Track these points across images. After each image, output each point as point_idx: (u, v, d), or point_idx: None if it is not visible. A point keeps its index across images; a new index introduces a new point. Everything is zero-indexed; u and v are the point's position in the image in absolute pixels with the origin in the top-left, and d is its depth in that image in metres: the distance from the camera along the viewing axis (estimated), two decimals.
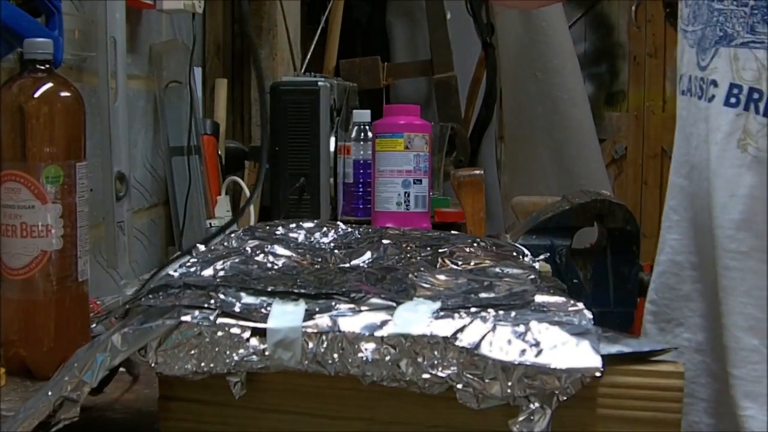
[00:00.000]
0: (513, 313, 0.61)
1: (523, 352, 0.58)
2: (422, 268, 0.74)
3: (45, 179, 0.82)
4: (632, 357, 0.61)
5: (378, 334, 0.59)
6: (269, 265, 0.75)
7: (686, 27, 0.94)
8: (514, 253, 0.83)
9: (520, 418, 0.57)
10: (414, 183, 1.34)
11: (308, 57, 2.20)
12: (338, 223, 0.90)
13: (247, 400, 0.64)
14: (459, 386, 0.58)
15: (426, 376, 0.59)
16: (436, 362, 0.59)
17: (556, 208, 1.31)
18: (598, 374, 0.57)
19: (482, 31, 2.80)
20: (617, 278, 1.31)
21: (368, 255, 0.79)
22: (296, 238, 0.85)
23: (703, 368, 0.94)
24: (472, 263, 0.77)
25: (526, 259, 0.82)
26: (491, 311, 0.61)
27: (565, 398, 0.57)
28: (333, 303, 0.63)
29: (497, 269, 0.75)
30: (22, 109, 0.82)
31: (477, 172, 1.46)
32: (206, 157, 1.54)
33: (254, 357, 0.61)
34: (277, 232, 0.86)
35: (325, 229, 0.88)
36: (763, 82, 0.83)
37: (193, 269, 0.72)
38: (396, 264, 0.76)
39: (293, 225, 0.88)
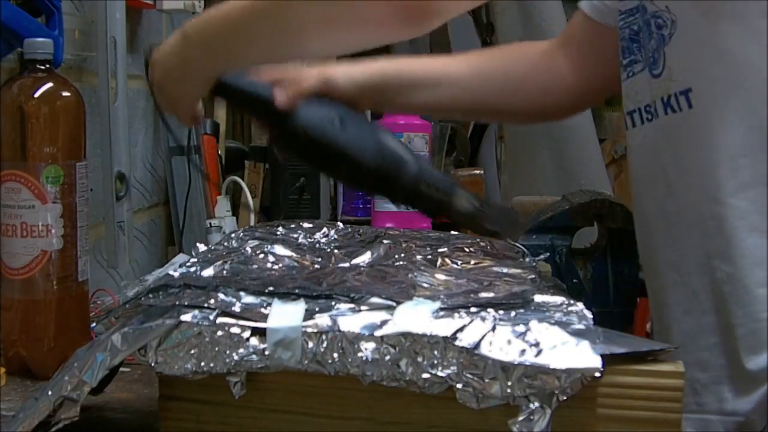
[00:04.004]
0: (513, 313, 0.62)
1: (523, 352, 0.58)
2: (422, 268, 0.74)
3: (45, 179, 0.82)
4: (632, 357, 0.61)
5: (378, 333, 0.59)
6: (269, 265, 0.75)
7: None
8: (514, 253, 0.83)
9: (520, 418, 0.57)
10: None
11: None
12: (338, 223, 0.90)
13: (247, 399, 0.64)
14: (459, 386, 0.58)
15: (426, 375, 0.59)
16: (435, 362, 0.59)
17: (556, 208, 1.31)
18: (597, 374, 0.57)
19: (482, 31, 2.80)
20: (617, 278, 1.31)
21: (368, 255, 0.79)
22: (296, 238, 0.85)
23: None
24: (472, 263, 0.77)
25: (526, 259, 0.82)
26: (491, 311, 0.61)
27: (565, 398, 0.57)
28: (333, 303, 0.63)
29: (497, 269, 0.75)
30: (22, 109, 0.82)
31: (477, 172, 1.46)
32: (206, 157, 1.54)
33: (254, 357, 0.61)
34: (277, 232, 0.86)
35: (325, 229, 0.88)
36: None
37: (193, 269, 0.72)
38: (396, 264, 0.76)
39: (293, 225, 0.88)
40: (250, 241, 0.81)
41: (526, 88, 1.06)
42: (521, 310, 0.62)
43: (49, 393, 0.62)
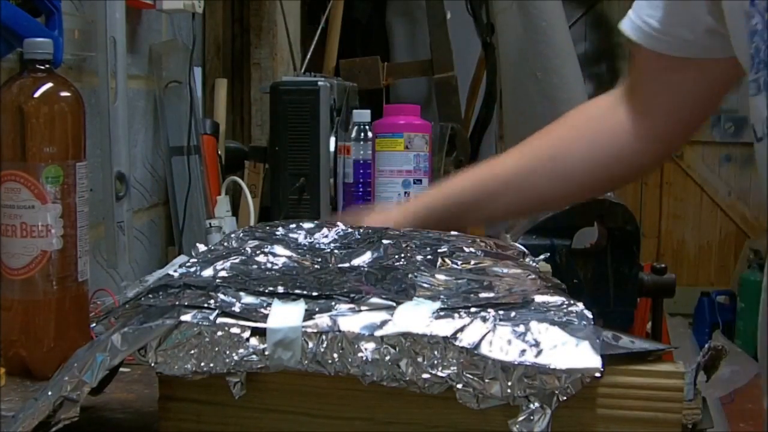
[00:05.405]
0: (513, 313, 0.61)
1: (523, 352, 0.58)
2: (422, 268, 0.74)
3: (45, 179, 0.82)
4: (632, 357, 0.61)
5: (378, 333, 0.59)
6: (269, 265, 0.75)
7: None
8: (514, 253, 0.83)
9: (520, 418, 0.57)
10: (414, 183, 1.34)
11: (308, 57, 2.20)
12: (338, 223, 0.90)
13: (247, 400, 0.64)
14: (459, 386, 0.58)
15: (426, 375, 0.59)
16: (436, 362, 0.59)
17: None
18: (597, 374, 0.57)
19: (482, 31, 2.80)
20: (617, 278, 1.31)
21: (368, 255, 0.79)
22: (296, 239, 0.85)
23: None
24: (472, 263, 0.77)
25: (526, 259, 0.82)
26: (491, 311, 0.61)
27: (565, 398, 0.57)
28: (333, 303, 0.63)
29: (497, 269, 0.75)
30: (22, 109, 0.82)
31: None
32: (206, 157, 1.54)
33: (254, 357, 0.61)
34: (277, 233, 0.86)
35: (325, 229, 0.88)
36: None
37: (193, 269, 0.72)
38: (396, 264, 0.76)
39: (293, 225, 0.88)
40: (250, 241, 0.81)
41: (594, 167, 0.97)
42: (521, 310, 0.62)
43: (49, 393, 0.62)
